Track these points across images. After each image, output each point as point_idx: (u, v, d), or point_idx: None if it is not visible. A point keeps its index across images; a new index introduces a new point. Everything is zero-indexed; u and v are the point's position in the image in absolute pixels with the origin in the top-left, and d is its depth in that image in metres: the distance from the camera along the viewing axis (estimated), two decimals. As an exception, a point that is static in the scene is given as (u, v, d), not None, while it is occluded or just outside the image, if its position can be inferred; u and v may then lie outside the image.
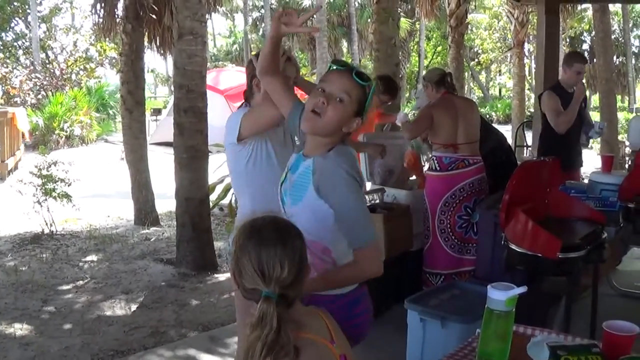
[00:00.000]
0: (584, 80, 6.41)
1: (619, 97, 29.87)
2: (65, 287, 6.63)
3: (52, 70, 24.84)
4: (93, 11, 10.94)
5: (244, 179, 3.51)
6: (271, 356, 1.91)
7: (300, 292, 2.12)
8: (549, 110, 6.08)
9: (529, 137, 12.07)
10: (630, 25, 30.51)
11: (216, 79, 19.85)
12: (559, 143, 6.01)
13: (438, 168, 5.49)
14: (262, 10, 39.31)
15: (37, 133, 19.33)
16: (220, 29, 55.92)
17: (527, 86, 23.28)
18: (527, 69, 26.28)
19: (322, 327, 2.14)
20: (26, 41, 28.61)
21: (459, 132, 5.43)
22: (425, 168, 5.97)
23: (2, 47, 28.37)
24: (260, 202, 3.35)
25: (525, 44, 21.05)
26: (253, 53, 3.45)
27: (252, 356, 1.94)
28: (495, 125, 6.16)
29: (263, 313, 1.95)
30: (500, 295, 2.05)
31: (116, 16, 10.15)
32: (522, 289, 2.07)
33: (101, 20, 10.66)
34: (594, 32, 15.52)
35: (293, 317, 2.01)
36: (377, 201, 5.56)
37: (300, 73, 3.86)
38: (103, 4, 10.53)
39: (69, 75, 24.82)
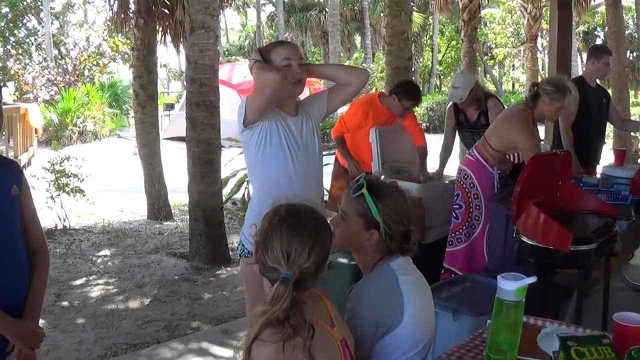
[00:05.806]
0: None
1: (632, 92, 29.69)
2: (78, 282, 6.68)
3: (64, 66, 24.93)
4: (107, 5, 10.97)
5: (253, 169, 3.50)
6: (269, 329, 1.94)
7: (316, 284, 2.14)
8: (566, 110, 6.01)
9: (541, 131, 12.01)
10: (644, 20, 30.27)
11: (230, 73, 19.82)
12: (582, 137, 6.01)
13: None
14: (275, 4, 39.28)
15: (50, 129, 19.38)
16: (233, 24, 56.11)
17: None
18: (540, 63, 26.14)
19: (323, 310, 2.15)
20: (39, 37, 28.69)
21: None
22: None
23: (14, 44, 28.49)
24: (266, 193, 3.34)
25: (539, 38, 20.95)
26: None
27: (251, 326, 1.97)
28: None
29: (278, 294, 1.97)
30: (510, 285, 2.05)
31: (129, 10, 10.15)
32: (532, 279, 2.07)
33: (114, 14, 10.67)
34: (607, 27, 15.41)
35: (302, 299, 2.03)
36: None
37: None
38: (116, -1, 10.55)
39: (81, 71, 24.93)
